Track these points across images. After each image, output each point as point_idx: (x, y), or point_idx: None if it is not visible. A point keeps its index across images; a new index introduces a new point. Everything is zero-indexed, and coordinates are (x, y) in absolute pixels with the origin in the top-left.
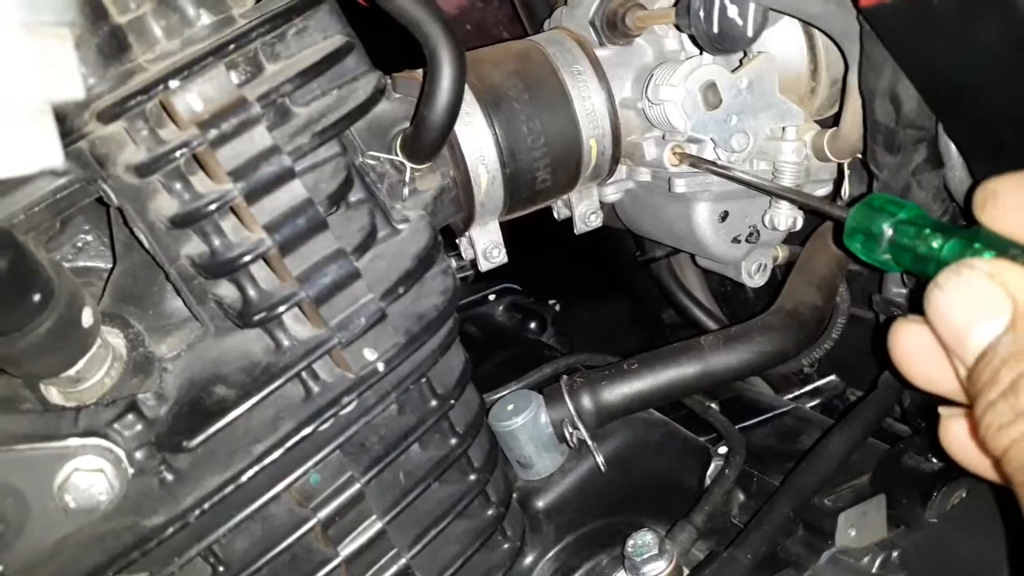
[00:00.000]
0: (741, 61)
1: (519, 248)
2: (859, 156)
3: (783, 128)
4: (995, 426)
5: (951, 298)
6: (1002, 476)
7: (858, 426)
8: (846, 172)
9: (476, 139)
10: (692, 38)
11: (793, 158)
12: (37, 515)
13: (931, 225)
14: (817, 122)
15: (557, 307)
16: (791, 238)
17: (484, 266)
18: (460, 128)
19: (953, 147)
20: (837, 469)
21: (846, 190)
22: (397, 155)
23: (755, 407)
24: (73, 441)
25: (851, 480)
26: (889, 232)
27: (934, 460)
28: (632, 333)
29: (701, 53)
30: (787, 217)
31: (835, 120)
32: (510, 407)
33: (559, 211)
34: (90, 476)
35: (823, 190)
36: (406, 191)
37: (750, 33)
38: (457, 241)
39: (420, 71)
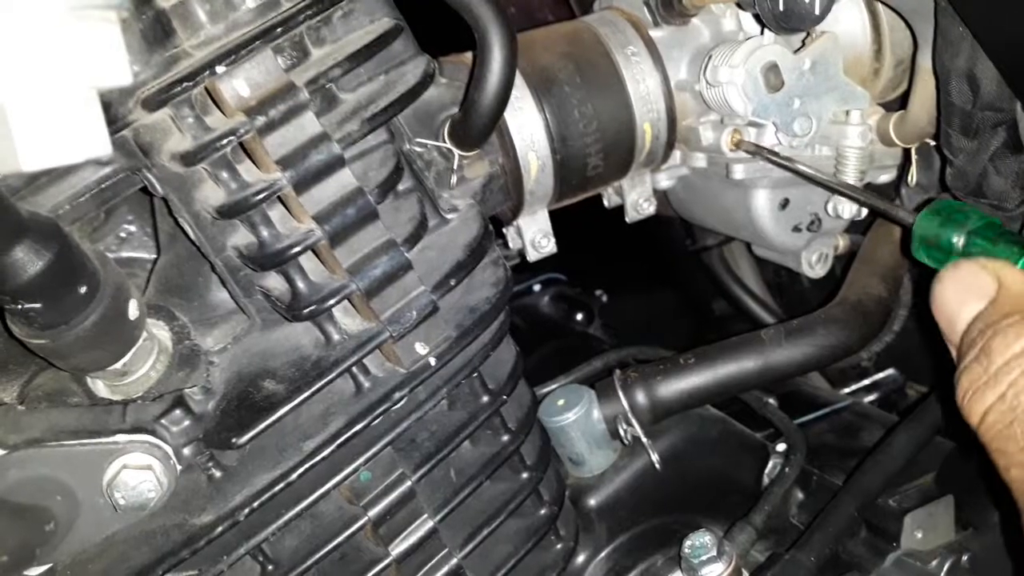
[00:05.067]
0: (803, 42)
1: (563, 237)
2: (927, 141)
3: (847, 112)
4: (971, 391)
5: (947, 286)
6: (985, 450)
7: (925, 423)
8: (913, 157)
9: (526, 124)
10: (756, 17)
11: (858, 143)
12: (86, 512)
13: (998, 236)
14: (881, 106)
15: (604, 298)
16: (852, 226)
17: (533, 256)
18: (509, 113)
19: None
20: (903, 468)
21: (913, 176)
22: (445, 142)
23: (812, 402)
24: (121, 437)
25: (915, 479)
26: (958, 242)
27: None
28: (681, 325)
29: (762, 33)
30: (851, 205)
31: (901, 103)
32: (561, 402)
33: (610, 198)
34: (139, 473)
35: (887, 176)
36: (454, 179)
37: (817, 11)
38: (504, 230)
39: (468, 54)
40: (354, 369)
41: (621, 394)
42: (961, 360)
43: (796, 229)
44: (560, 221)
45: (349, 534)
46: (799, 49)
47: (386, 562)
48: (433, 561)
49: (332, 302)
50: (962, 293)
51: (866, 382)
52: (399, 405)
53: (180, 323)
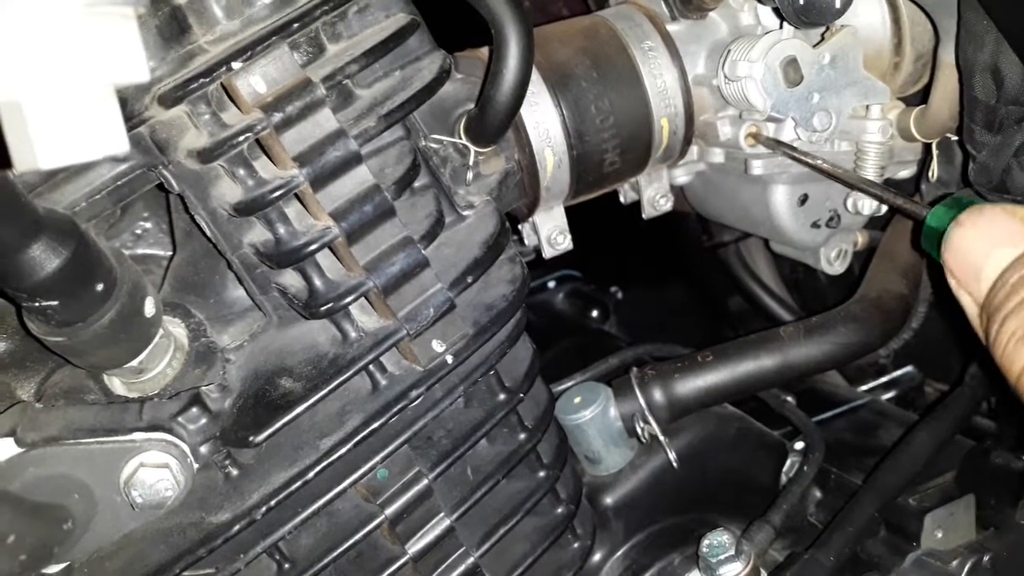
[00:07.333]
0: (822, 36)
1: (579, 233)
2: (948, 135)
3: (867, 107)
4: (1017, 337)
5: (970, 232)
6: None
7: (946, 421)
8: (934, 152)
9: (542, 120)
10: (775, 11)
11: (878, 138)
12: (104, 510)
13: None
14: (901, 100)
15: (619, 295)
16: (871, 222)
17: (548, 253)
18: (525, 109)
19: None
20: (923, 467)
21: (934, 172)
22: (461, 138)
23: (830, 399)
24: (138, 435)
25: (934, 478)
26: None
27: None
28: (697, 322)
29: (781, 27)
30: (870, 201)
31: (922, 98)
32: (577, 400)
33: (626, 194)
34: (156, 471)
35: (907, 172)
36: (470, 175)
37: (838, 5)
38: (520, 227)
39: (484, 50)
40: (371, 367)
41: (638, 392)
42: (1000, 309)
43: (815, 225)
44: (576, 217)
45: (366, 532)
46: (818, 43)
47: (403, 560)
48: (450, 560)
49: (349, 300)
50: (988, 239)
51: (884, 379)
52: (416, 403)
53: (196, 320)
